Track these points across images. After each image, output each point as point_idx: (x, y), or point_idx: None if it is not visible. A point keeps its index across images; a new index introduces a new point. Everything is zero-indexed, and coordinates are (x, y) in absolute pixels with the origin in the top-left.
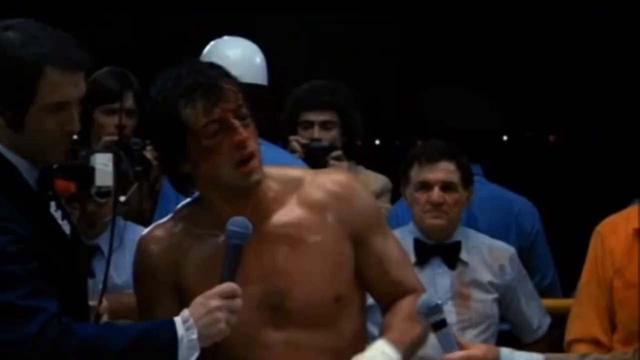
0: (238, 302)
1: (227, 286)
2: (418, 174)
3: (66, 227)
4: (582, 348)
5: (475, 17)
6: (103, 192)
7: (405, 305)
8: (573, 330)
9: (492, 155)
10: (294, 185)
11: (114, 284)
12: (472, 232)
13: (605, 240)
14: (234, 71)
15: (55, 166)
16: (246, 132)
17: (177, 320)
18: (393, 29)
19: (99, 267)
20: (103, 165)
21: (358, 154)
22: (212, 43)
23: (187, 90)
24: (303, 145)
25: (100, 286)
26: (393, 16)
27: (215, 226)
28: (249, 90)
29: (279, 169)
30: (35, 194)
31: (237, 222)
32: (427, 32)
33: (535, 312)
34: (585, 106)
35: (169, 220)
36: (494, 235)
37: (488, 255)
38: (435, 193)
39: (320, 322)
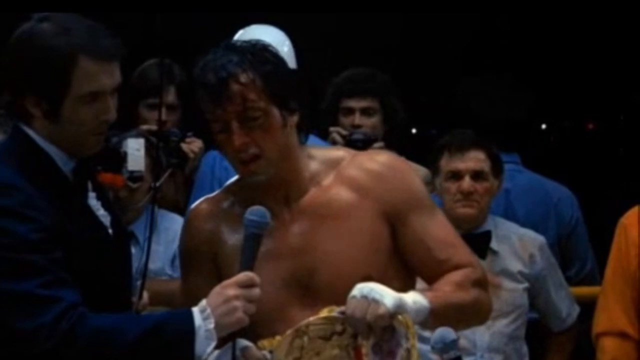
0: (256, 291)
1: (245, 275)
2: (448, 163)
3: (106, 219)
4: (609, 341)
5: (476, 17)
6: (135, 177)
7: (450, 275)
8: (599, 323)
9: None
10: (333, 164)
11: (148, 270)
12: (501, 221)
13: (630, 232)
14: None
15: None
16: (247, 135)
17: (195, 310)
18: (393, 28)
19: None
20: (135, 150)
21: (399, 145)
22: (240, 32)
23: (199, 86)
24: (344, 137)
25: (139, 280)
26: (393, 16)
27: (255, 204)
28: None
29: (322, 150)
30: (71, 185)
31: (256, 212)
32: (427, 32)
33: (564, 301)
34: (583, 101)
35: (217, 194)
36: (532, 223)
37: (518, 244)
38: (466, 182)
39: None
